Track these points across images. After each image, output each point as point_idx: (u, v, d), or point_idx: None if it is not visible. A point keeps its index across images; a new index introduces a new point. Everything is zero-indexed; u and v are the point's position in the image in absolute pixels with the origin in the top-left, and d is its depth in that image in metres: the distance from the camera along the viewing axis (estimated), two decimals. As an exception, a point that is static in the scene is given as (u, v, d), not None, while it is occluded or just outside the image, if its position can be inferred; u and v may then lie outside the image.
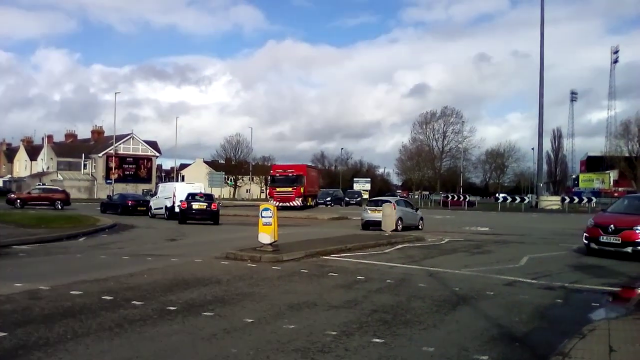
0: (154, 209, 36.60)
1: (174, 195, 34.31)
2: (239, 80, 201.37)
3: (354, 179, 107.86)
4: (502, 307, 9.62)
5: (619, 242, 16.42)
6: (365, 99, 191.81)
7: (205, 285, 10.94)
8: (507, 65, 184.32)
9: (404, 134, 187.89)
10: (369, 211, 29.48)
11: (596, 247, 17.05)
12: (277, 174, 54.16)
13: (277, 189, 52.26)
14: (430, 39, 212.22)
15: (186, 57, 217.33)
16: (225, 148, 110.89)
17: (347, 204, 70.80)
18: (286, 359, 6.33)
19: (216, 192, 64.30)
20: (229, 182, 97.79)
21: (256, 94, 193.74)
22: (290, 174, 53.27)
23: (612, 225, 16.72)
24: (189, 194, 32.48)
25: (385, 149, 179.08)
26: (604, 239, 16.79)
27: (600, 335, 7.40)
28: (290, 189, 51.70)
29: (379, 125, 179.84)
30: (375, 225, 27.43)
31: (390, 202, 28.32)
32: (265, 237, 15.44)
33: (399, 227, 26.97)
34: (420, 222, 30.51)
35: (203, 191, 35.08)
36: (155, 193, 39.43)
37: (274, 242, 15.49)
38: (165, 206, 34.99)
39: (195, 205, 31.06)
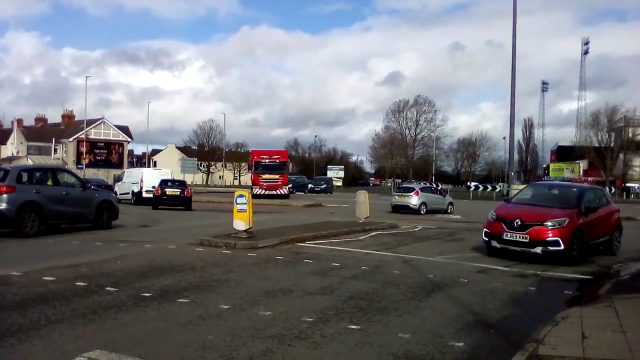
0: (120, 194, 36.42)
1: (142, 181, 34.70)
2: (213, 65, 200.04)
3: (328, 166, 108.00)
4: (476, 294, 9.72)
5: (527, 240, 13.62)
6: (339, 87, 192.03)
7: (179, 271, 10.87)
8: (481, 54, 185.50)
9: (377, 122, 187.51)
10: (396, 197, 34.86)
11: (498, 245, 14.16)
12: (264, 160, 50.06)
13: (263, 176, 49.00)
14: (405, 27, 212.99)
15: (159, 41, 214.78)
16: (198, 134, 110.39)
17: (312, 191, 70.44)
18: (263, 346, 6.32)
19: (189, 179, 63.89)
20: (201, 168, 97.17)
21: (230, 79, 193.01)
22: (277, 160, 50.30)
23: (518, 220, 13.82)
24: (162, 180, 32.91)
25: (359, 136, 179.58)
26: (507, 236, 13.90)
27: (572, 322, 7.52)
28: (277, 176, 48.98)
29: (353, 113, 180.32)
30: (404, 209, 33.05)
31: (414, 188, 34.81)
32: (240, 223, 15.40)
33: (423, 211, 32.72)
34: (450, 207, 35.70)
35: (170, 177, 35.44)
36: (120, 179, 39.53)
37: (249, 228, 15.46)
38: (132, 191, 35.25)
39: (169, 191, 31.54)
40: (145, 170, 38.79)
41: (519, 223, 13.78)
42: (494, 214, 14.75)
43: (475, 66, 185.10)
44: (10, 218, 15.80)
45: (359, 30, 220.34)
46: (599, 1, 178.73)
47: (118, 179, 41.95)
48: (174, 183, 32.88)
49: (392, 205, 34.17)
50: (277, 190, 48.20)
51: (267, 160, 49.98)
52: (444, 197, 36.91)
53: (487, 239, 14.57)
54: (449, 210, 35.05)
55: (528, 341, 6.66)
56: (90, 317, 7.23)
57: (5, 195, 15.78)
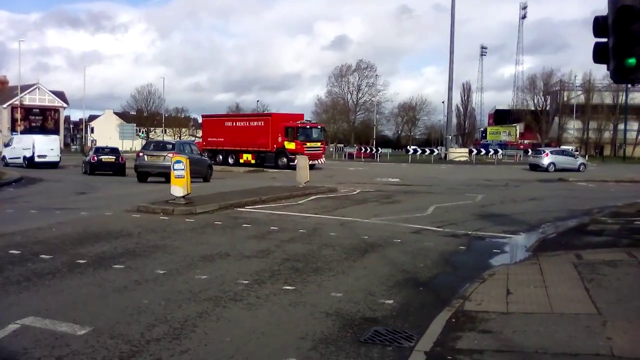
0: (9, 159, 39.60)
1: (34, 147, 37.68)
2: (155, 28, 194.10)
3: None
4: (409, 254, 10.03)
5: None
6: (285, 51, 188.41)
7: (116, 238, 10.82)
8: (427, 18, 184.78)
9: (323, 87, 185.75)
10: (531, 157, 46.42)
11: None
12: (306, 126, 44.02)
13: (308, 144, 42.38)
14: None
15: (100, 3, 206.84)
16: (137, 99, 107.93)
17: None
18: (198, 308, 6.44)
19: (127, 145, 62.80)
20: (140, 134, 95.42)
21: (172, 43, 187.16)
22: (319, 127, 45.97)
23: None
24: (97, 148, 36.10)
25: (304, 101, 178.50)
26: None
27: (499, 280, 7.90)
28: (319, 144, 44.02)
29: (299, 78, 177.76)
30: (537, 167, 42.24)
31: (545, 151, 45.13)
32: (178, 189, 15.31)
33: (552, 169, 40.67)
34: (582, 166, 42.90)
35: (58, 144, 40.75)
36: (9, 144, 42.64)
37: (187, 194, 15.39)
38: (24, 156, 37.97)
39: (104, 159, 33.00)
40: (36, 137, 41.73)
41: None
42: None
43: (421, 30, 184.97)
44: None
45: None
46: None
47: (6, 144, 44.46)
48: (109, 150, 34.59)
49: (529, 164, 44.75)
50: (318, 160, 42.74)
51: (308, 127, 44.63)
52: (575, 158, 45.30)
53: None
54: (580, 169, 41.81)
55: (455, 297, 6.98)
56: (25, 285, 7.20)
57: None
